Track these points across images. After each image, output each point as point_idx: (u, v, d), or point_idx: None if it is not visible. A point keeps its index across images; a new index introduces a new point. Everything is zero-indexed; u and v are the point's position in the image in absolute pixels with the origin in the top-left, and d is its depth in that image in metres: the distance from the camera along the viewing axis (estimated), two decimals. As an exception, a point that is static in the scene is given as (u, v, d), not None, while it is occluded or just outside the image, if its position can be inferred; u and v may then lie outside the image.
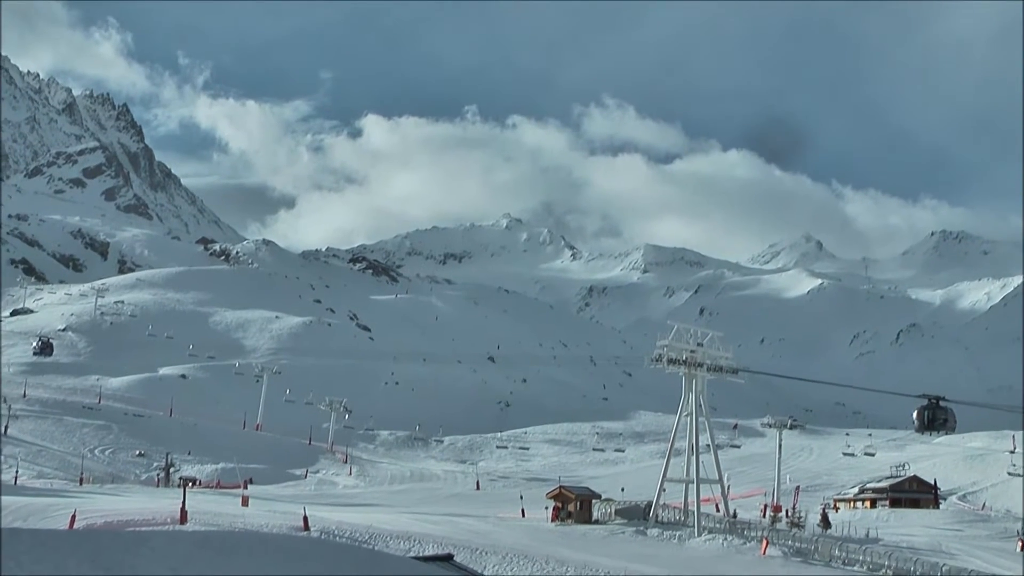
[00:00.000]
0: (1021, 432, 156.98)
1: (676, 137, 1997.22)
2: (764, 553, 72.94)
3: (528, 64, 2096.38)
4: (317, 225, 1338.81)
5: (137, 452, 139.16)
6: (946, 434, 49.84)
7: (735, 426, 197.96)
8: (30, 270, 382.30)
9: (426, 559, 23.58)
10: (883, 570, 68.73)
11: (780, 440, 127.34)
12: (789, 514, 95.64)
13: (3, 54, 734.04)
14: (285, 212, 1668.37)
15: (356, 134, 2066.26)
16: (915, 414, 47.71)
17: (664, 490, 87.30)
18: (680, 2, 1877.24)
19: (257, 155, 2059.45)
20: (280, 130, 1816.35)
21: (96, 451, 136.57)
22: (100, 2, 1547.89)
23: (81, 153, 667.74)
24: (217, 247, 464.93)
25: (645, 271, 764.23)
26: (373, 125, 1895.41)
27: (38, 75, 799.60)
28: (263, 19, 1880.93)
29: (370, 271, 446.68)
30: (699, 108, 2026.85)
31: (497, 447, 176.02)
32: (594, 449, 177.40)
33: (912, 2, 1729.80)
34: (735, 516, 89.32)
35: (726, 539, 76.99)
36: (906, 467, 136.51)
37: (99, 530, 52.83)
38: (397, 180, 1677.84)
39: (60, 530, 43.76)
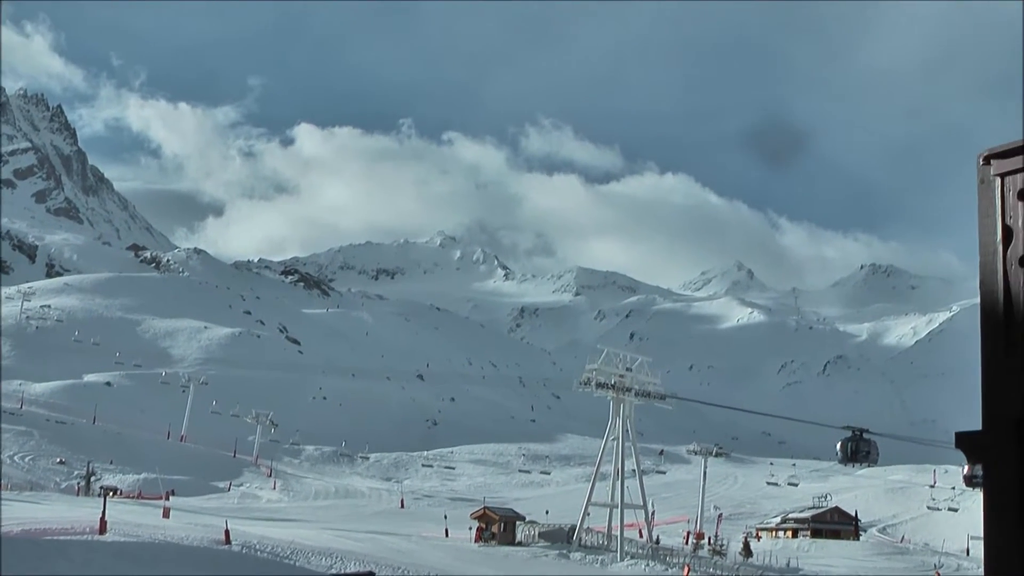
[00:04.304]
0: (946, 467, 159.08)
1: (614, 159, 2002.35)
2: (685, 579, 73.25)
3: (461, 81, 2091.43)
4: (247, 233, 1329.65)
5: (58, 460, 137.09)
6: (868, 466, 50.36)
7: (661, 452, 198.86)
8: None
9: (347, 577, 23.45)
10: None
11: (705, 467, 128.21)
12: (711, 541, 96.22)
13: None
14: (214, 219, 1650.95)
15: (288, 142, 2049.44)
16: (839, 445, 48.10)
17: (588, 514, 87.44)
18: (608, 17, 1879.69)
19: (187, 159, 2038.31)
20: (210, 134, 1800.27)
21: (16, 457, 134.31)
22: (27, 1, 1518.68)
23: (12, 154, 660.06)
24: (148, 254, 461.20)
25: (577, 294, 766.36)
26: (306, 134, 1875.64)
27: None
28: (187, 22, 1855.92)
29: (302, 284, 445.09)
30: (637, 130, 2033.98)
31: (423, 466, 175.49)
32: (520, 471, 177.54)
33: (838, 27, 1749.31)
34: (658, 542, 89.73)
35: (648, 565, 77.27)
36: (828, 498, 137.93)
37: (16, 538, 52.03)
38: (330, 191, 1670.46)
39: (-25, 536, 43.02)
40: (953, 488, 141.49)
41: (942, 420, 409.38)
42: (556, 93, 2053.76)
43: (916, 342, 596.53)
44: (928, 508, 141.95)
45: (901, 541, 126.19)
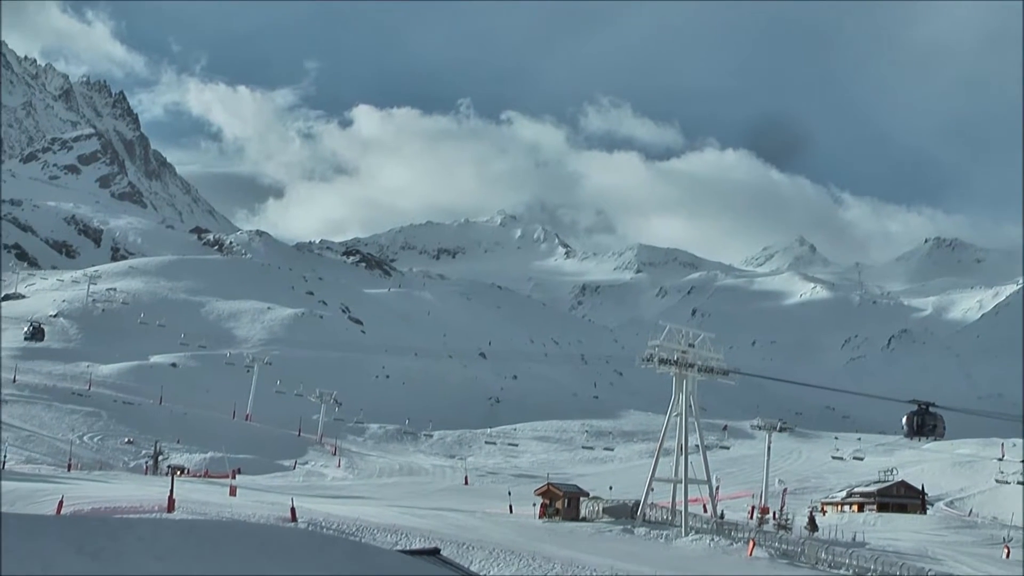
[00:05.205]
0: (1014, 441, 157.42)
1: (674, 136, 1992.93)
2: (751, 554, 72.93)
3: (518, 61, 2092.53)
4: (308, 215, 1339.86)
5: (126, 439, 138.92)
6: (935, 440, 49.87)
7: (725, 427, 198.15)
8: (23, 255, 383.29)
9: (413, 553, 23.48)
10: (869, 574, 68.75)
11: (769, 442, 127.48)
12: (776, 516, 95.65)
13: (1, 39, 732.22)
14: (274, 201, 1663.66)
15: (346, 124, 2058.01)
16: (904, 419, 47.66)
17: (652, 489, 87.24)
18: (660, 2, 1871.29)
19: (247, 142, 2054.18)
20: (269, 117, 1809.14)
21: (85, 437, 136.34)
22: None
23: (77, 140, 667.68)
24: (211, 237, 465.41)
25: (638, 271, 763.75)
26: (364, 116, 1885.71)
27: (35, 60, 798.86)
28: (244, 6, 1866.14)
29: (363, 264, 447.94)
30: (696, 107, 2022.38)
31: (486, 443, 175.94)
32: (583, 447, 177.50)
33: (893, 3, 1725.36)
34: (722, 517, 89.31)
35: (713, 540, 76.99)
36: (894, 472, 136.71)
37: (86, 516, 52.75)
38: (389, 171, 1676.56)
39: (47, 515, 43.63)
40: (1022, 461, 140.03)
41: (1009, 394, 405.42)
42: (614, 71, 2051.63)
43: (982, 316, 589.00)
44: (996, 481, 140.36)
45: (969, 515, 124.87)
